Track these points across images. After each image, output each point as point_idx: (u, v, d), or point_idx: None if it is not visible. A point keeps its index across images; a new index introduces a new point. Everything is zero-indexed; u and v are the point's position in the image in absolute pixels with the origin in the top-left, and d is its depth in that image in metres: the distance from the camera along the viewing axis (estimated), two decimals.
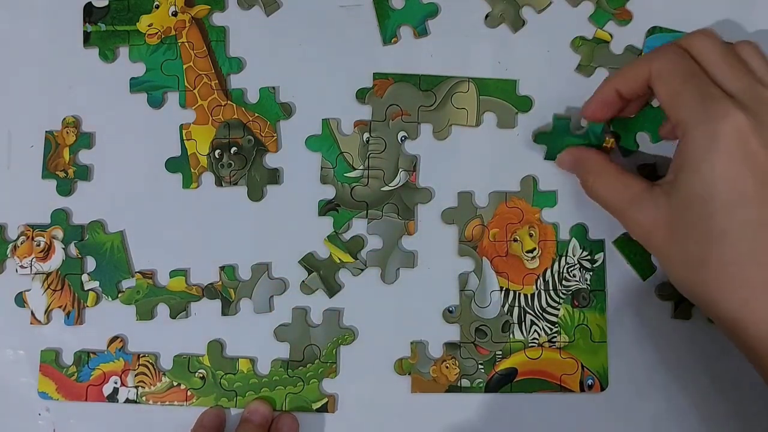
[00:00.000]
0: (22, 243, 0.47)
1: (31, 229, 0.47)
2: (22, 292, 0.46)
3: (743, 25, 0.48)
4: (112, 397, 0.45)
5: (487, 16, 0.48)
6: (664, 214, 0.37)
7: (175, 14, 0.48)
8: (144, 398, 0.45)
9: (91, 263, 0.47)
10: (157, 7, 0.48)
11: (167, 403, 0.45)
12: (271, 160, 0.47)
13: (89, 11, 0.49)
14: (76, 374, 0.45)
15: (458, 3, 0.49)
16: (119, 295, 0.46)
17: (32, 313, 0.46)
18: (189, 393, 0.45)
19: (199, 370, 0.45)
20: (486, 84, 0.48)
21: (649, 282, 0.46)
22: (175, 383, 0.45)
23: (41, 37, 0.49)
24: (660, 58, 0.38)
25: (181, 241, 0.47)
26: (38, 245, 0.46)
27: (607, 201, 0.41)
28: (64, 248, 0.47)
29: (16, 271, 0.46)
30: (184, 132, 0.47)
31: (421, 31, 0.48)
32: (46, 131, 0.48)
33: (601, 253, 0.46)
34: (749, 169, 0.35)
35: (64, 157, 0.47)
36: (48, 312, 0.46)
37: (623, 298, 0.46)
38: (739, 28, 0.48)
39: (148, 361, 0.45)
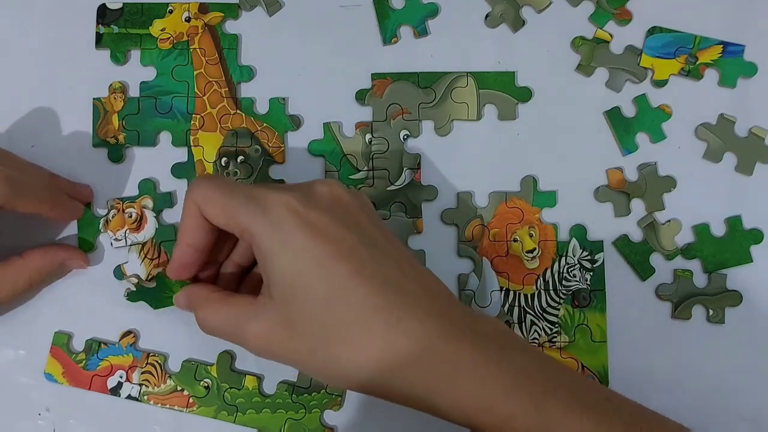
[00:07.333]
0: (113, 217, 0.46)
1: (121, 202, 0.46)
2: (120, 265, 0.46)
3: (743, 25, 0.48)
4: (115, 391, 0.45)
5: (487, 16, 0.48)
6: (274, 317, 0.37)
7: (188, 20, 0.48)
8: (146, 397, 0.45)
9: None
10: (171, 12, 0.48)
11: (167, 406, 0.45)
12: (276, 171, 0.47)
13: (103, 13, 0.48)
14: (84, 362, 0.45)
15: (458, 3, 0.49)
16: None
17: (138, 283, 0.46)
18: (191, 400, 0.45)
19: (205, 379, 0.45)
20: (484, 77, 0.48)
21: (649, 282, 0.46)
22: (179, 388, 0.45)
23: (46, 36, 0.48)
24: (197, 188, 0.38)
25: None
26: (130, 216, 0.46)
27: (220, 329, 0.39)
28: (155, 216, 0.46)
29: (111, 244, 0.46)
30: (191, 138, 0.47)
31: (421, 31, 0.48)
32: (93, 98, 0.47)
33: (601, 253, 0.46)
34: (314, 240, 0.35)
35: (114, 123, 0.47)
36: (150, 279, 0.46)
37: (623, 298, 0.46)
38: (739, 28, 0.48)
39: (157, 361, 0.45)
